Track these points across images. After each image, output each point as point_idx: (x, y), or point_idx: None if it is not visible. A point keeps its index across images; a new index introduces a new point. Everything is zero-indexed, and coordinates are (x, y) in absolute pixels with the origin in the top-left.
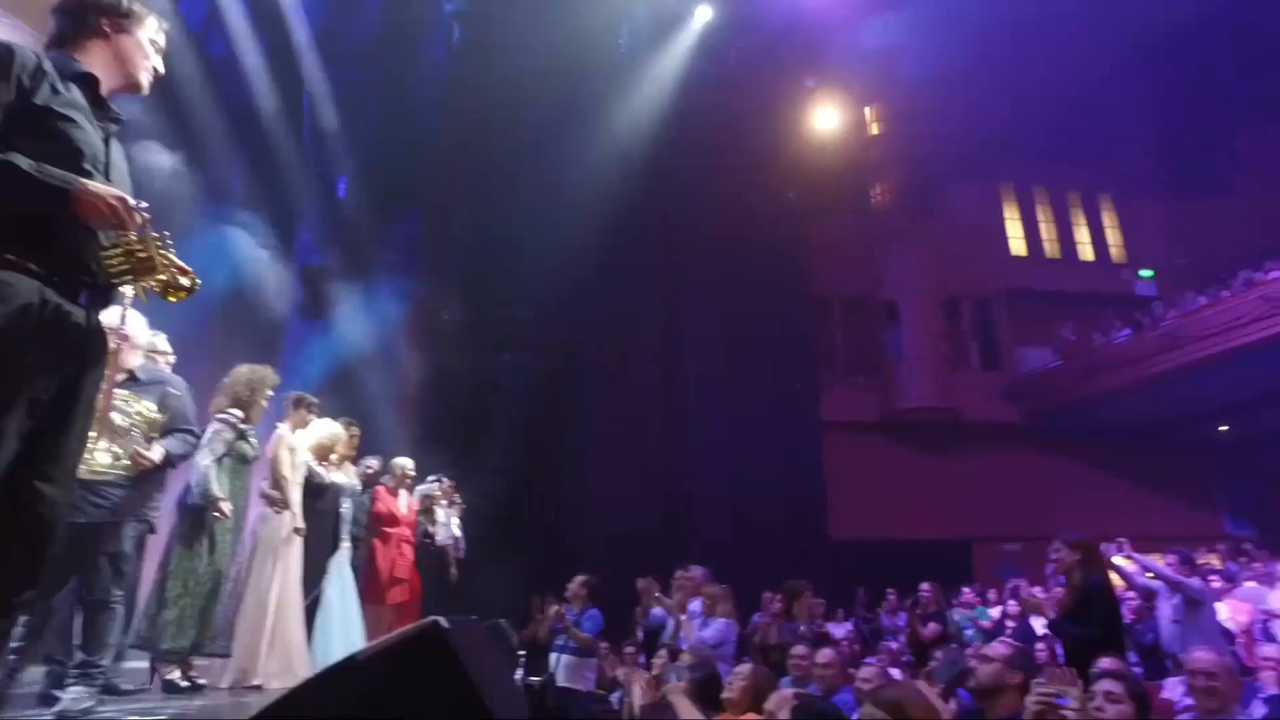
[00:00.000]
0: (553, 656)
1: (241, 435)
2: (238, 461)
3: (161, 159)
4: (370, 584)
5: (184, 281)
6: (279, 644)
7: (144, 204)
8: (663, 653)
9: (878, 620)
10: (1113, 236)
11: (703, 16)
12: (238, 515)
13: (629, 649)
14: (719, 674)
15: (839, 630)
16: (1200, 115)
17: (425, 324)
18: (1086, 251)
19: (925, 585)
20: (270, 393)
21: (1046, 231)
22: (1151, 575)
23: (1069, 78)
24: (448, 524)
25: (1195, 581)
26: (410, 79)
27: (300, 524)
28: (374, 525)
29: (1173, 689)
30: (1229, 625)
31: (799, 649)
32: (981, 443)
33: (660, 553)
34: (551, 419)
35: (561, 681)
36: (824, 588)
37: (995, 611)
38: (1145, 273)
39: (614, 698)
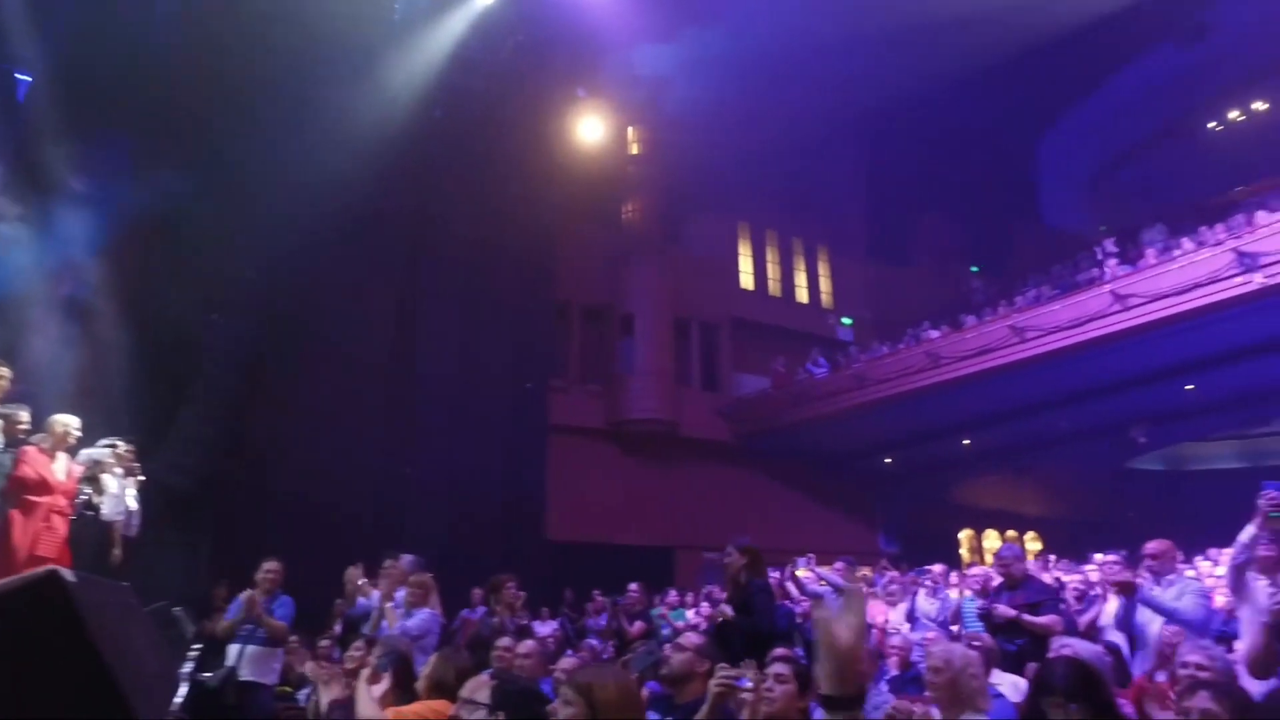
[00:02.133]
0: (234, 648)
1: None
2: None
3: None
4: (2, 561)
5: None
6: None
7: None
8: (359, 644)
9: (583, 620)
10: (825, 284)
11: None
12: None
13: (324, 642)
14: (410, 658)
15: (544, 629)
16: (898, 194)
17: (119, 266)
18: (803, 294)
19: (633, 586)
20: None
21: (772, 271)
22: (824, 583)
23: (804, 137)
24: (120, 495)
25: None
26: None
27: None
28: (15, 491)
29: None
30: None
31: (503, 641)
32: (695, 457)
33: (370, 543)
34: (262, 392)
35: (245, 675)
36: (537, 587)
37: (691, 614)
38: (846, 320)
39: (302, 694)
